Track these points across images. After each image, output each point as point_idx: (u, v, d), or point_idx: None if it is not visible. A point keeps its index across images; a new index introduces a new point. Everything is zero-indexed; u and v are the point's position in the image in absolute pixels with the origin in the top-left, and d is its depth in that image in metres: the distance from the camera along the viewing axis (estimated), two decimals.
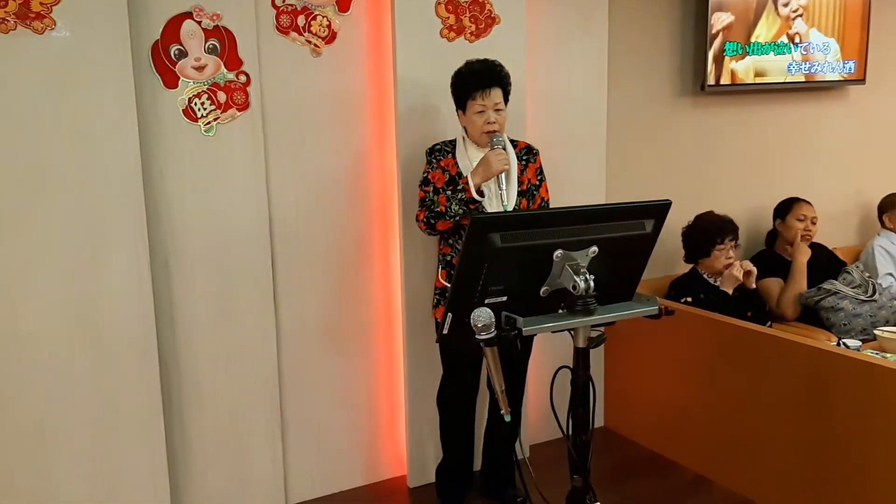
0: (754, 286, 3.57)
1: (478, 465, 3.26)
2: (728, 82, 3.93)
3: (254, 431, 2.99)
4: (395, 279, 3.20)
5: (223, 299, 2.88)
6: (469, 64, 2.74)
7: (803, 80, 4.17)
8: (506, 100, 2.75)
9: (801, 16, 4.10)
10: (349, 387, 3.21)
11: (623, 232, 1.92)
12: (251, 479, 3.02)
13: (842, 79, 4.30)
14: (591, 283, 1.81)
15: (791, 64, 4.10)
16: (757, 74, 4.02)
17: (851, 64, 4.28)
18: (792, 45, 4.08)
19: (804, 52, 4.13)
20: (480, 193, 2.65)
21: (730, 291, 3.50)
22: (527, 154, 2.87)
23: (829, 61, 4.22)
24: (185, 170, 2.76)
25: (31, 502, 2.58)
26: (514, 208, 2.73)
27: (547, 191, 2.91)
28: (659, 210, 1.95)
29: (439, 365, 3.03)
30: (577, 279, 1.80)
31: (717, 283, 3.56)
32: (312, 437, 3.16)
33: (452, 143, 2.84)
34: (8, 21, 2.38)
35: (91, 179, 2.55)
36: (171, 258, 2.78)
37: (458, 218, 2.68)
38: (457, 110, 2.80)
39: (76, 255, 2.56)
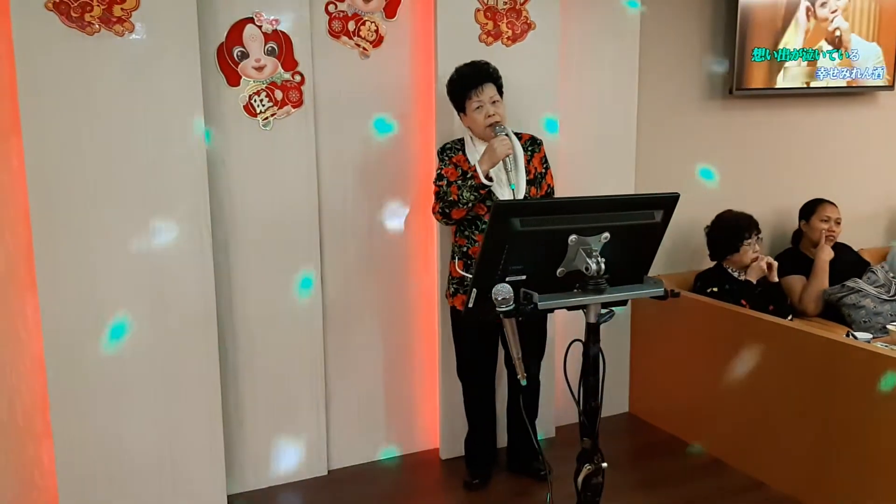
0: (776, 279, 3.72)
1: (503, 442, 3.49)
2: (756, 86, 4.09)
3: (300, 400, 3.27)
4: (432, 263, 3.44)
5: (275, 278, 3.16)
6: (458, 70, 2.98)
7: (831, 85, 4.30)
8: (500, 93, 2.97)
9: (838, 16, 4.23)
10: (388, 363, 3.47)
11: (634, 221, 2.12)
12: (297, 444, 3.30)
13: (870, 85, 4.42)
14: (603, 266, 2.01)
15: (820, 70, 4.24)
16: (785, 79, 4.16)
17: (881, 70, 4.40)
18: (820, 53, 4.22)
19: (833, 59, 4.26)
20: (489, 179, 2.88)
21: (754, 281, 3.66)
22: (531, 144, 3.07)
23: (868, 67, 4.34)
24: (245, 160, 3.05)
25: (104, 448, 2.89)
26: (525, 196, 2.95)
27: (552, 178, 3.12)
28: (667, 201, 2.14)
29: None
30: (590, 262, 2.01)
31: (742, 278, 3.72)
32: (353, 409, 3.43)
33: (461, 141, 3.07)
34: (93, 25, 2.69)
35: (162, 166, 2.85)
36: (230, 239, 3.07)
37: (470, 205, 2.90)
38: (458, 114, 3.03)
39: (148, 234, 2.86)
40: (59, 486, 2.86)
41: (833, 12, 4.22)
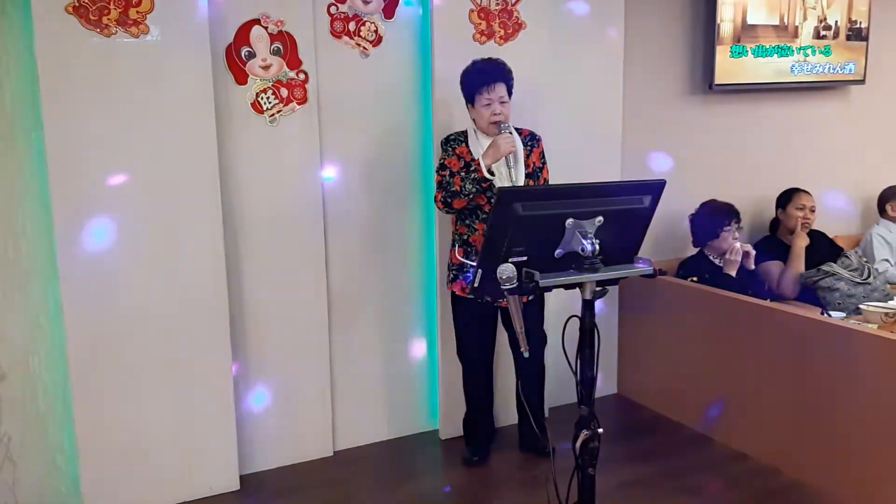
0: (753, 267, 3.93)
1: (501, 422, 3.66)
2: (734, 82, 4.29)
3: (307, 384, 3.43)
4: (431, 253, 3.61)
5: (282, 267, 3.31)
6: (475, 63, 3.14)
7: (806, 80, 4.52)
8: (509, 93, 3.14)
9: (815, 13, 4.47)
10: (390, 349, 3.64)
11: (624, 205, 2.30)
12: (304, 426, 3.45)
13: (842, 79, 4.64)
14: (597, 247, 2.19)
15: (794, 65, 4.46)
16: (762, 75, 4.37)
17: (852, 66, 4.62)
18: (795, 49, 4.43)
19: (807, 55, 4.48)
20: (491, 173, 3.06)
21: (733, 274, 3.87)
22: (530, 140, 3.25)
23: (841, 62, 4.57)
24: (252, 154, 3.20)
25: (123, 432, 3.04)
26: None
27: (548, 172, 3.30)
28: (655, 187, 2.32)
29: None
30: (585, 243, 2.18)
31: (722, 265, 3.92)
32: (357, 392, 3.59)
33: (464, 133, 3.24)
34: (110, 27, 2.83)
35: (175, 162, 2.99)
36: (238, 230, 3.22)
37: (471, 196, 3.07)
38: (466, 104, 3.20)
39: (162, 228, 3.01)
40: (81, 468, 3.00)
41: (812, 9, 4.45)
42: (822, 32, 4.54)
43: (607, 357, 4.16)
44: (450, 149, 3.20)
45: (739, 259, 3.84)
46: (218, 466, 3.21)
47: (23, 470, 3.01)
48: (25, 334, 2.96)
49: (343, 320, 3.52)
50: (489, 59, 3.14)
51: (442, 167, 3.18)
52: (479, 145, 3.15)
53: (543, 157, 3.28)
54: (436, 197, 3.19)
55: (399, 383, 3.69)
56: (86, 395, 2.96)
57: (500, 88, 3.10)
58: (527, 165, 3.18)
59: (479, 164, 3.05)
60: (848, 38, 4.60)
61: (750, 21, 4.29)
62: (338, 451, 3.56)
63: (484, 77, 3.10)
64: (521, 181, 3.12)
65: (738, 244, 3.89)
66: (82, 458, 2.99)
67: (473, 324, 3.34)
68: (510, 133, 3.08)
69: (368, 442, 3.65)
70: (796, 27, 4.44)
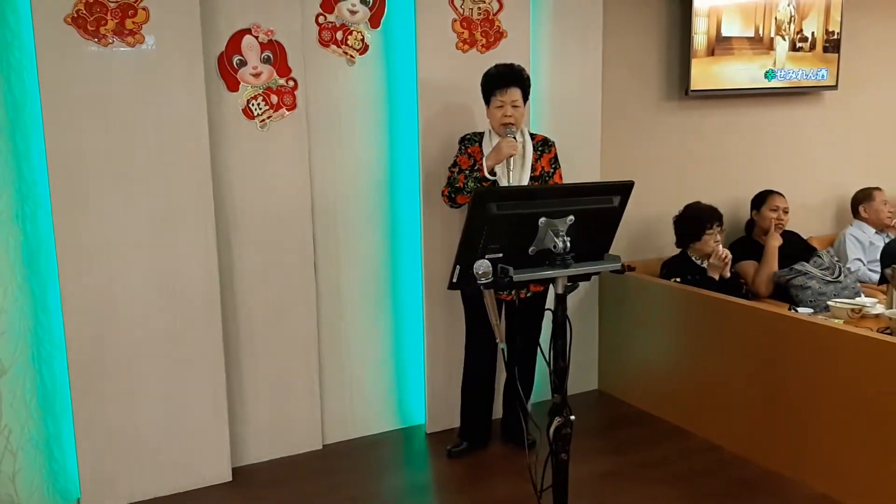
0: (729, 275, 4.05)
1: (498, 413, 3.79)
2: (709, 87, 4.45)
3: (296, 380, 3.55)
4: (416, 252, 3.74)
5: (273, 267, 3.44)
6: (496, 67, 3.32)
7: (780, 86, 4.68)
8: (525, 98, 3.30)
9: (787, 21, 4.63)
10: (377, 345, 3.77)
11: (595, 205, 2.43)
12: (294, 420, 3.58)
13: (815, 85, 4.80)
14: (569, 244, 2.32)
15: (768, 72, 4.61)
16: (737, 81, 4.53)
17: (825, 72, 4.78)
18: (770, 56, 4.59)
19: (781, 61, 4.64)
20: (493, 173, 3.21)
21: (716, 277, 4.00)
22: (542, 145, 3.40)
23: (814, 68, 4.73)
24: (244, 159, 3.34)
25: (119, 424, 3.16)
26: None
27: (560, 177, 3.43)
28: (623, 188, 2.45)
29: (454, 327, 3.64)
30: (557, 240, 2.32)
31: (705, 266, 4.06)
32: (345, 388, 3.72)
33: (481, 134, 3.40)
34: (108, 37, 2.96)
35: (169, 166, 3.13)
36: (231, 232, 3.35)
37: (472, 193, 3.22)
38: (485, 104, 3.35)
39: (157, 228, 3.14)
40: (79, 460, 3.12)
41: (786, 19, 4.60)
42: (799, 44, 4.70)
43: (589, 354, 4.30)
44: (463, 147, 3.38)
45: (720, 262, 3.95)
46: (211, 459, 3.34)
47: (23, 461, 3.13)
48: (26, 330, 3.08)
49: (331, 318, 3.65)
50: (509, 63, 3.31)
51: (454, 164, 3.38)
52: (490, 146, 3.32)
53: (555, 162, 3.42)
54: (442, 191, 3.39)
55: (385, 380, 3.82)
56: (84, 389, 3.08)
57: (514, 92, 3.26)
58: (534, 169, 3.32)
59: (481, 164, 3.22)
60: (825, 49, 4.76)
61: (724, 33, 4.44)
62: (326, 445, 3.69)
63: (499, 80, 3.27)
64: (522, 183, 3.27)
65: (724, 251, 4.00)
66: (80, 450, 3.11)
67: (477, 314, 3.43)
68: (514, 137, 3.22)
69: (356, 436, 3.78)
70: (771, 39, 4.59)
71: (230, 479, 3.38)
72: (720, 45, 4.44)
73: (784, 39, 4.63)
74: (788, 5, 4.62)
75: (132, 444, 3.19)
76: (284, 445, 3.58)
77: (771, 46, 4.60)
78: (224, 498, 3.27)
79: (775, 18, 4.59)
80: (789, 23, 4.64)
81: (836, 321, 3.45)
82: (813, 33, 4.71)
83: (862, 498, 2.95)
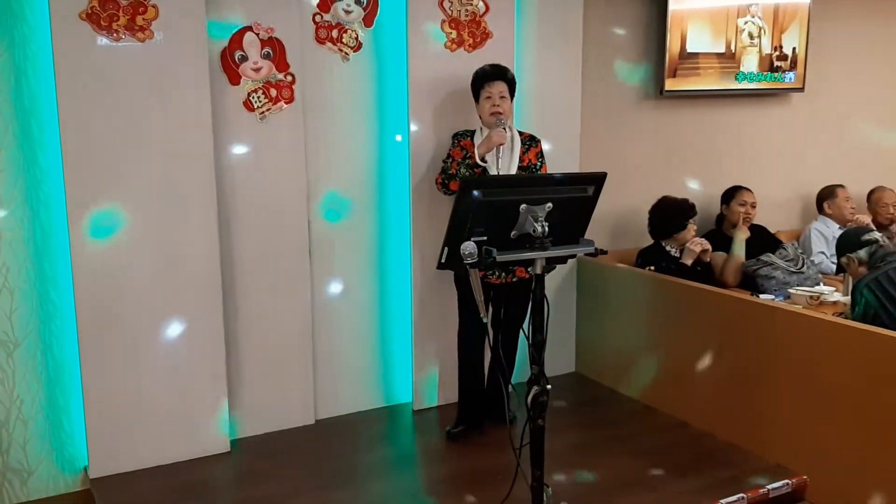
0: (708, 260, 4.32)
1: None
2: (683, 88, 4.70)
3: (291, 358, 3.76)
4: (405, 236, 3.95)
5: (270, 250, 3.65)
6: (483, 66, 3.59)
7: (749, 87, 4.94)
8: (511, 94, 3.55)
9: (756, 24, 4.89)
10: (368, 327, 3.99)
11: (571, 194, 2.65)
12: (288, 396, 3.79)
13: (783, 87, 5.07)
14: (547, 229, 2.55)
15: (739, 74, 4.88)
16: (709, 82, 4.78)
17: (792, 74, 5.05)
18: (740, 59, 4.86)
19: (751, 63, 4.90)
20: (484, 160, 3.46)
21: (689, 263, 4.25)
22: (529, 141, 3.65)
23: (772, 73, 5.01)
24: (244, 148, 3.54)
25: (125, 398, 3.36)
26: None
27: (546, 170, 3.66)
28: (597, 179, 2.67)
29: (441, 309, 3.88)
30: (537, 225, 2.54)
31: (678, 255, 4.31)
32: (336, 366, 3.94)
33: (473, 130, 3.65)
34: (119, 32, 3.16)
35: (176, 155, 3.32)
36: (231, 217, 3.56)
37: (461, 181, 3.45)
38: (475, 102, 3.59)
39: (164, 212, 3.34)
40: (87, 429, 3.31)
41: (754, 21, 4.87)
42: (777, 63, 4.95)
43: (567, 340, 4.54)
44: (456, 141, 3.63)
45: (699, 249, 4.20)
46: (210, 432, 3.54)
47: (34, 430, 3.33)
48: (38, 307, 3.28)
49: (324, 301, 3.86)
50: (495, 63, 3.59)
51: (448, 156, 3.63)
52: (481, 139, 3.56)
53: (541, 156, 3.66)
54: (436, 179, 3.66)
55: (375, 359, 4.04)
56: (93, 363, 3.28)
57: (500, 85, 3.52)
58: (522, 160, 3.56)
59: (473, 152, 3.48)
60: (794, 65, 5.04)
61: (690, 49, 4.68)
62: (318, 420, 3.90)
63: (486, 75, 3.54)
64: (511, 172, 3.50)
65: (697, 239, 4.25)
66: (88, 420, 3.31)
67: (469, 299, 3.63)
68: (503, 128, 3.46)
69: (347, 412, 4.00)
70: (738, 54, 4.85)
71: (228, 450, 3.59)
72: (682, 62, 4.67)
73: (753, 56, 4.89)
74: (754, 17, 4.88)
75: (137, 416, 3.39)
76: (279, 420, 3.79)
77: (741, 63, 4.87)
78: (223, 467, 3.49)
79: (749, 34, 4.86)
80: (758, 36, 4.90)
81: (797, 307, 3.71)
82: (794, 49, 4.97)
83: (812, 466, 3.20)
